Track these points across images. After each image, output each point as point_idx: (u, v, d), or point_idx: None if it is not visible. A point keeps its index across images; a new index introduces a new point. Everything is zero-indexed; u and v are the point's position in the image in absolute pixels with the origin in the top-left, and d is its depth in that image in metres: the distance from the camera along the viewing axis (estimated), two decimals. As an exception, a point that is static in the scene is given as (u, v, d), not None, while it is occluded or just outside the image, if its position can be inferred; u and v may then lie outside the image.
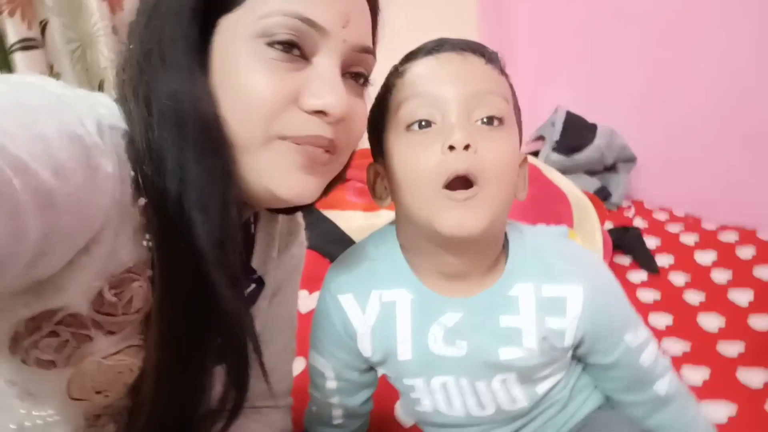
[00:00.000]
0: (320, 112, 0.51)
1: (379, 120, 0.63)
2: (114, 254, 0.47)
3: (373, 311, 0.67)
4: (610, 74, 2.13)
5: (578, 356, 0.71)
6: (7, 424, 0.49)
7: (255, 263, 0.70)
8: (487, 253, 0.64)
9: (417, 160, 0.58)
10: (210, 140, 0.49)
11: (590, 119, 2.16)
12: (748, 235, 1.75)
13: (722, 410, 1.02)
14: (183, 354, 0.55)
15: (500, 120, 0.59)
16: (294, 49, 0.50)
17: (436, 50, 0.61)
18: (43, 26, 1.48)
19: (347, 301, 0.68)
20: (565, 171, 2.04)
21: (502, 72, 0.63)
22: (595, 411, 0.74)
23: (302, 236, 0.81)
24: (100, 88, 1.57)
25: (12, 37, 1.38)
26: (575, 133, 2.10)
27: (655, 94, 2.00)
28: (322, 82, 0.51)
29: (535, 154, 2.18)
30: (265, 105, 0.49)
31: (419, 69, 0.61)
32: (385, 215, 1.54)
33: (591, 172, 2.10)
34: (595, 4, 2.11)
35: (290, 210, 0.70)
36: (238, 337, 0.59)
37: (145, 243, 0.50)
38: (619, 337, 0.67)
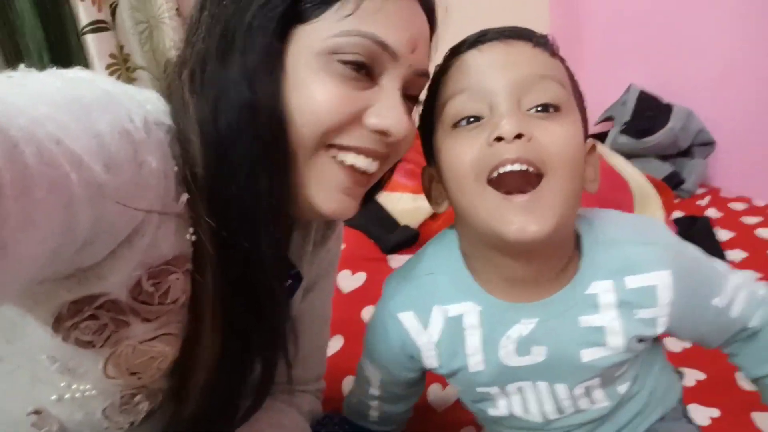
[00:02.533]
0: (381, 132, 0.54)
1: (427, 121, 0.61)
2: (154, 246, 0.50)
3: (437, 327, 0.64)
4: (688, 49, 1.97)
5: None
6: (49, 396, 0.52)
7: (291, 256, 0.71)
8: (557, 256, 0.60)
9: (463, 154, 0.54)
10: (279, 152, 0.52)
11: (666, 98, 2.02)
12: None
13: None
14: (230, 343, 0.58)
15: (556, 107, 0.54)
16: (363, 69, 0.53)
17: (479, 41, 0.57)
18: (113, 9, 1.56)
19: (408, 320, 0.65)
20: (633, 155, 1.94)
21: (554, 54, 0.58)
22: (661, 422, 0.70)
23: (340, 229, 0.82)
24: (167, 68, 1.65)
25: (84, 19, 1.47)
26: (647, 114, 1.97)
27: (738, 72, 1.83)
28: (387, 105, 0.54)
29: (603, 136, 2.07)
30: (332, 119, 0.52)
31: (462, 63, 0.57)
32: (433, 198, 1.52)
33: (664, 156, 1.97)
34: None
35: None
36: (275, 330, 0.63)
37: (188, 237, 0.52)
38: (707, 304, 0.62)
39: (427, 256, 0.67)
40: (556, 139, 0.52)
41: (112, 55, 1.54)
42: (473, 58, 0.57)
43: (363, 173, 0.56)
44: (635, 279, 0.59)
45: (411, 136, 0.59)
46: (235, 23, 0.52)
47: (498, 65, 0.55)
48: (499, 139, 0.51)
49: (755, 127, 1.84)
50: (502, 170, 0.52)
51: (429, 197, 0.65)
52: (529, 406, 0.66)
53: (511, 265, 0.59)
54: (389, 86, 0.54)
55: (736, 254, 1.52)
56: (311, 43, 0.51)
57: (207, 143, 0.51)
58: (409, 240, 1.46)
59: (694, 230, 1.58)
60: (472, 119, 0.55)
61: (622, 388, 0.65)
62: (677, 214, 1.73)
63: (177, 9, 1.60)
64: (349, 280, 1.34)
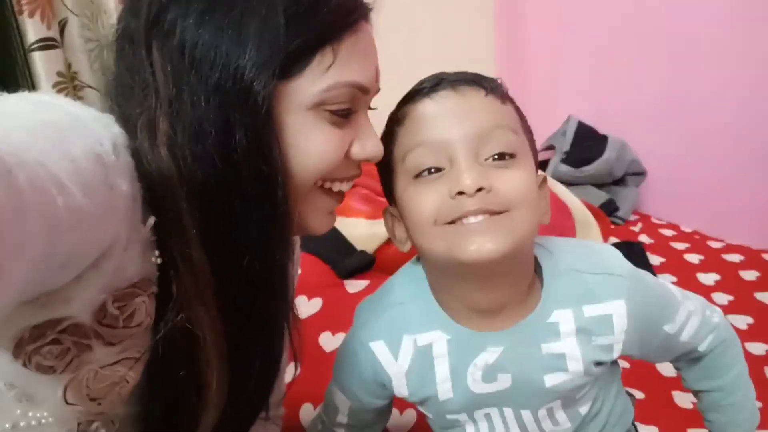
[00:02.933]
0: (366, 160, 0.60)
1: (387, 167, 0.63)
2: (121, 269, 0.49)
3: (407, 356, 0.66)
4: (623, 85, 2.10)
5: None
6: (3, 424, 0.50)
7: None
8: (517, 283, 0.62)
9: (426, 204, 0.57)
10: (282, 194, 0.54)
11: (602, 130, 2.15)
12: (753, 257, 1.73)
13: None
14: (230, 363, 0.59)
15: (512, 155, 0.57)
16: (348, 112, 0.57)
17: (432, 90, 0.59)
18: (62, 26, 1.52)
19: (379, 348, 0.67)
20: (572, 183, 2.05)
21: (505, 100, 0.61)
22: None
23: (297, 254, 0.83)
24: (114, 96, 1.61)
25: (32, 36, 1.42)
26: (585, 145, 2.09)
27: (668, 107, 1.98)
28: (368, 136, 0.60)
29: (544, 164, 2.18)
30: (330, 164, 0.57)
31: (417, 114, 0.59)
32: (388, 224, 1.56)
33: (599, 185, 2.09)
34: (611, 15, 2.09)
35: None
36: (276, 357, 0.66)
37: (153, 260, 0.53)
38: (658, 330, 0.66)
39: (396, 287, 0.69)
40: (514, 186, 0.56)
41: (59, 73, 1.49)
42: (428, 109, 0.59)
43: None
44: (592, 308, 0.62)
45: None
46: (222, 97, 0.50)
47: (453, 118, 0.57)
48: (461, 192, 0.54)
49: (683, 159, 1.98)
50: (465, 221, 0.55)
51: (392, 236, 0.67)
52: (497, 431, 0.69)
53: (474, 294, 0.62)
54: (363, 116, 0.59)
55: (667, 278, 1.63)
56: (300, 99, 0.53)
57: (200, 192, 0.51)
58: (366, 266, 1.48)
59: (630, 255, 1.68)
60: (433, 170, 0.57)
61: (583, 409, 0.69)
62: (612, 239, 1.83)
63: (130, 29, 1.58)
64: (305, 306, 1.34)
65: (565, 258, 0.65)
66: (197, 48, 0.50)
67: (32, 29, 1.42)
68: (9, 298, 0.33)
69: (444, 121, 0.57)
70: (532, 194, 0.57)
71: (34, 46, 1.42)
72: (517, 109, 0.63)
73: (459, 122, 0.57)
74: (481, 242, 0.54)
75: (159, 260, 0.53)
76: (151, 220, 0.51)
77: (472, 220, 0.54)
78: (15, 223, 0.30)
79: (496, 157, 0.56)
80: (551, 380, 0.64)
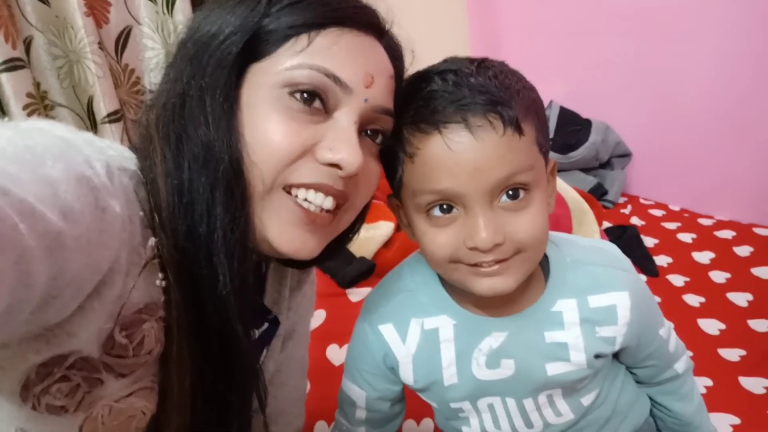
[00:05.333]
0: (334, 165, 0.52)
1: (393, 174, 0.60)
2: (124, 295, 0.47)
3: (414, 340, 0.67)
4: (600, 67, 2.09)
5: (618, 355, 0.72)
6: None
7: (267, 302, 0.70)
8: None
9: (440, 247, 0.58)
10: (237, 187, 0.51)
11: (584, 114, 2.15)
12: (744, 232, 1.75)
13: (726, 420, 1.03)
14: (201, 393, 0.56)
15: (526, 188, 0.55)
16: (315, 101, 0.52)
17: (443, 124, 0.54)
18: (28, 44, 1.45)
19: (388, 332, 0.68)
20: (560, 169, 2.04)
21: (526, 120, 0.55)
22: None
23: (313, 275, 0.81)
24: (89, 104, 1.54)
25: (-3, 57, 1.35)
26: (570, 130, 2.09)
27: (644, 86, 1.97)
28: (340, 137, 0.52)
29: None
30: (281, 152, 0.51)
31: (429, 157, 0.55)
32: (384, 227, 1.53)
33: (586, 169, 2.10)
34: (587, -2, 2.08)
35: (296, 264, 0.69)
36: (246, 383, 0.61)
37: (158, 283, 0.50)
38: (655, 332, 0.70)
39: (405, 274, 0.70)
40: (527, 231, 0.56)
41: (29, 94, 1.42)
42: (441, 154, 0.54)
43: (322, 210, 0.54)
44: (597, 298, 0.64)
45: (373, 177, 0.58)
46: (195, 63, 0.52)
47: (468, 174, 0.54)
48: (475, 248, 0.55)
49: (664, 137, 1.99)
50: (480, 269, 0.57)
51: (401, 222, 0.67)
52: (501, 423, 0.70)
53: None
54: (343, 118, 0.53)
55: (663, 259, 1.64)
56: (264, 79, 0.52)
57: (171, 181, 0.51)
58: (366, 272, 1.45)
59: (624, 239, 1.69)
60: (445, 207, 0.56)
61: (586, 399, 0.70)
62: (606, 224, 1.84)
63: (99, 43, 1.51)
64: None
65: (572, 251, 0.67)
66: (192, 33, 0.54)
67: (-3, 50, 1.34)
68: None
69: (459, 174, 0.54)
70: (544, 232, 0.58)
71: (0, 68, 1.35)
72: (538, 118, 0.57)
73: (475, 176, 0.54)
74: (495, 282, 0.57)
75: (163, 283, 0.51)
76: (152, 240, 0.50)
77: (485, 267, 0.56)
78: None
79: (510, 193, 0.56)
80: (553, 369, 0.65)
